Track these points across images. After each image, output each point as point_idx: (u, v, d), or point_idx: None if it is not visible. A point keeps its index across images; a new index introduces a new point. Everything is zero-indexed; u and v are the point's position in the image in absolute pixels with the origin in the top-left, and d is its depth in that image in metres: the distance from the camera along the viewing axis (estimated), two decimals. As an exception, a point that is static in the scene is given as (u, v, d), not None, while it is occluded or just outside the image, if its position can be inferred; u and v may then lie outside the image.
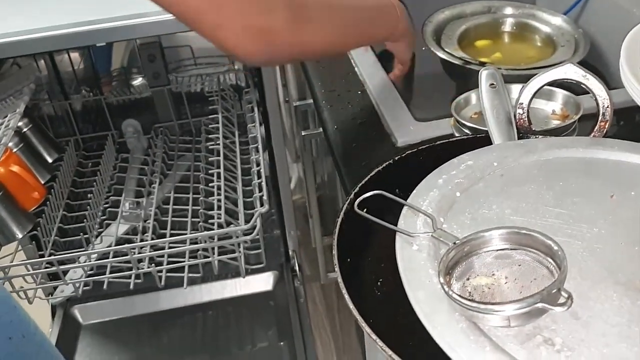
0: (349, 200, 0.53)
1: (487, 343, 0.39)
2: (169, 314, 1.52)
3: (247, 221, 1.00)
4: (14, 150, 1.21)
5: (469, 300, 0.39)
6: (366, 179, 0.55)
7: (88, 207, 1.22)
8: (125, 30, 1.07)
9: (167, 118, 1.52)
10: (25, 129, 1.28)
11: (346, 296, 0.43)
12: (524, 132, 0.60)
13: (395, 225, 0.48)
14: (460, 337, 0.39)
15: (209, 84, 1.57)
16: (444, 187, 0.51)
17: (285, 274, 1.58)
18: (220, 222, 1.05)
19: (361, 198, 0.52)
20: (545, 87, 0.62)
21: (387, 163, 0.56)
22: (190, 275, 1.04)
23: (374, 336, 0.41)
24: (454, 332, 0.39)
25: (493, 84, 0.62)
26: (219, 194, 1.08)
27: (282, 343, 1.41)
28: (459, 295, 0.39)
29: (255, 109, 1.27)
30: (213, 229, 1.05)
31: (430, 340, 0.40)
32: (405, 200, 0.50)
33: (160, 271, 1.02)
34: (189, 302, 1.54)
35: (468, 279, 0.43)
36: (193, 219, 1.18)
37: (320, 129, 1.07)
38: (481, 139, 0.59)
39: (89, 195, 1.25)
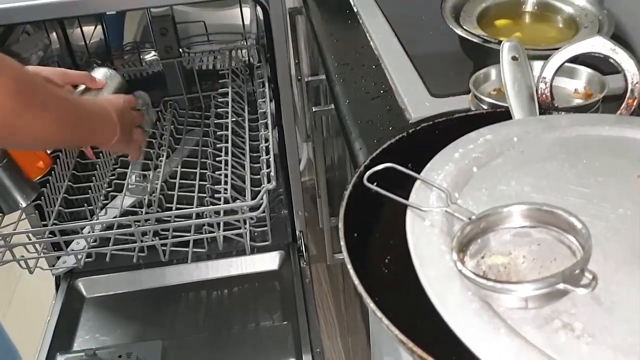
0: (358, 172, 0.50)
1: (502, 325, 0.36)
2: (173, 289, 1.51)
3: (253, 198, 0.98)
4: (21, 118, 1.19)
5: (484, 278, 0.36)
6: (377, 151, 0.52)
7: (94, 178, 1.20)
8: (137, -1, 1.04)
9: (177, 92, 1.50)
10: (32, 98, 1.26)
11: (351, 271, 0.41)
12: (546, 108, 0.57)
13: (407, 199, 0.46)
14: (473, 318, 0.37)
15: (220, 60, 1.54)
16: (461, 161, 0.48)
17: (292, 254, 1.56)
18: (227, 198, 1.02)
19: (371, 171, 0.49)
20: (568, 64, 0.59)
21: (400, 136, 0.53)
22: (195, 250, 1.02)
23: (379, 314, 0.38)
24: (467, 313, 0.37)
25: (515, 57, 0.59)
26: (226, 170, 1.06)
27: (286, 323, 1.39)
28: (473, 273, 0.36)
29: (267, 85, 1.24)
30: (219, 204, 1.02)
31: (441, 320, 0.38)
32: (419, 174, 0.47)
33: (165, 245, 1.00)
34: (195, 278, 1.52)
35: (483, 257, 0.40)
36: (200, 194, 1.16)
37: (332, 105, 1.04)
38: (501, 114, 0.56)
39: (95, 167, 1.23)
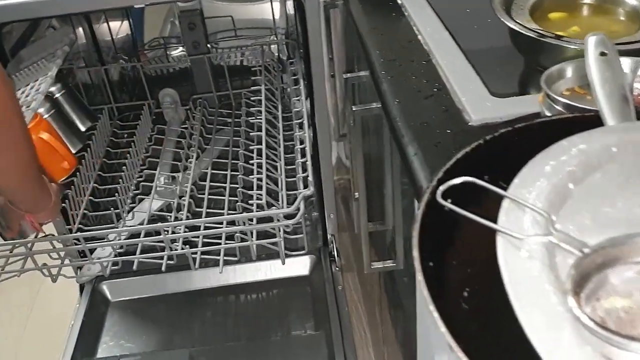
0: (431, 188, 0.43)
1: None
2: (200, 294, 1.46)
3: (288, 203, 0.91)
4: (45, 116, 1.14)
5: (615, 333, 0.28)
6: (451, 162, 0.45)
7: (120, 180, 1.15)
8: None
9: (206, 89, 1.44)
10: (57, 95, 1.21)
11: (435, 314, 0.34)
12: (645, 112, 0.49)
13: (493, 221, 0.38)
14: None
15: (249, 56, 1.48)
16: (553, 176, 0.41)
17: (323, 259, 1.49)
18: (260, 204, 0.96)
19: (446, 186, 0.42)
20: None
21: (476, 144, 0.46)
22: (226, 258, 0.96)
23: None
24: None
25: (604, 52, 0.51)
26: (259, 172, 1.00)
27: (318, 332, 1.33)
28: (599, 325, 0.29)
29: (301, 82, 1.17)
30: (252, 210, 0.96)
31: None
32: (505, 190, 0.40)
33: (195, 253, 0.94)
34: (222, 282, 1.47)
35: (598, 300, 0.33)
36: (231, 198, 1.10)
37: (374, 104, 0.97)
38: (589, 119, 0.48)
39: (122, 168, 1.18)
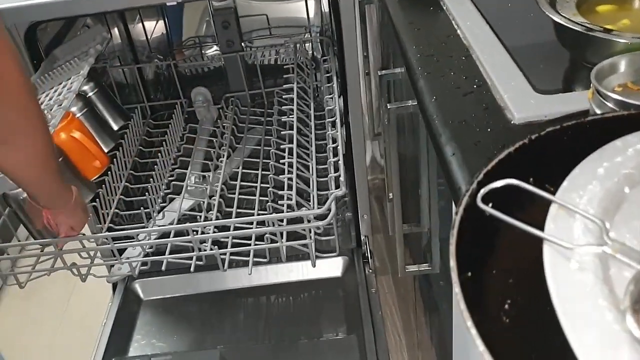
0: (470, 191, 0.39)
1: None
2: (232, 294, 1.45)
3: (320, 203, 0.88)
4: (77, 115, 1.14)
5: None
6: (492, 163, 0.41)
7: (152, 179, 1.14)
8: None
9: (239, 87, 1.43)
10: (90, 93, 1.21)
11: (473, 331, 0.30)
12: None
13: (540, 229, 0.35)
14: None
15: (284, 54, 1.46)
16: (607, 179, 0.37)
17: (356, 260, 1.46)
18: (291, 204, 0.93)
19: (487, 189, 0.38)
20: None
21: (520, 144, 0.42)
22: (256, 259, 0.94)
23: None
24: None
25: (663, 44, 0.46)
26: (290, 172, 0.97)
27: (351, 335, 1.30)
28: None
29: (334, 80, 1.14)
30: (282, 210, 0.94)
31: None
32: (553, 195, 0.36)
33: (224, 254, 0.92)
34: (254, 283, 1.45)
35: (660, 319, 0.29)
36: (261, 198, 1.08)
37: (410, 102, 0.93)
38: (646, 117, 0.44)
39: (154, 167, 1.17)
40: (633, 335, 0.27)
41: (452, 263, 0.35)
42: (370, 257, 1.46)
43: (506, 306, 0.37)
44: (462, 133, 0.62)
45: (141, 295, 1.46)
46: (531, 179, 0.41)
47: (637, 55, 0.60)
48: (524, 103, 0.64)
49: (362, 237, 1.45)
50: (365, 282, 1.41)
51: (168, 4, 1.12)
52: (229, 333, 1.37)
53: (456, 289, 0.33)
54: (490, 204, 0.39)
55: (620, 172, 0.38)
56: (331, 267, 1.47)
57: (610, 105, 0.55)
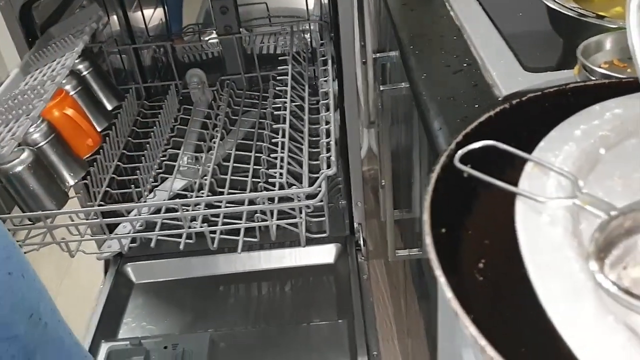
0: (448, 151, 0.39)
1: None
2: (224, 278, 1.45)
3: (311, 184, 0.88)
4: (71, 93, 1.14)
5: (633, 296, 0.25)
6: (472, 126, 0.41)
7: (143, 159, 1.14)
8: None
9: (235, 71, 1.42)
10: (85, 72, 1.21)
11: (442, 279, 0.31)
12: (689, 79, 0.45)
13: (515, 186, 0.35)
14: (620, 353, 0.25)
15: (282, 42, 1.46)
16: (584, 140, 0.37)
17: (349, 248, 1.47)
18: (282, 183, 0.93)
19: (465, 150, 0.38)
20: None
21: (500, 108, 0.42)
22: (246, 239, 0.94)
23: (482, 341, 0.28)
24: (609, 346, 0.26)
25: (647, 14, 0.46)
26: (282, 153, 0.97)
27: (341, 321, 1.30)
28: (624, 291, 0.25)
29: (329, 64, 1.14)
30: (273, 190, 0.94)
31: (562, 348, 0.27)
32: (530, 154, 0.36)
33: (214, 232, 0.92)
34: (247, 268, 1.46)
35: (625, 268, 0.29)
36: (253, 179, 1.08)
37: (403, 84, 0.93)
38: (628, 84, 0.44)
39: (146, 146, 1.17)
40: (595, 280, 0.27)
41: (425, 217, 0.35)
42: (364, 245, 1.46)
43: (480, 265, 0.37)
44: (450, 109, 0.63)
45: (133, 278, 1.46)
46: (511, 143, 0.41)
47: (623, 33, 0.60)
48: (512, 80, 0.64)
49: (356, 225, 1.45)
50: (357, 269, 1.41)
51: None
52: (220, 317, 1.37)
53: (427, 240, 0.33)
54: (469, 166, 0.39)
55: (597, 134, 0.38)
56: (324, 254, 1.47)
57: (595, 80, 0.55)
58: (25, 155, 0.93)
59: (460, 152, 0.38)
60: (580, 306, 0.28)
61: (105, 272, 1.43)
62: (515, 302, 0.34)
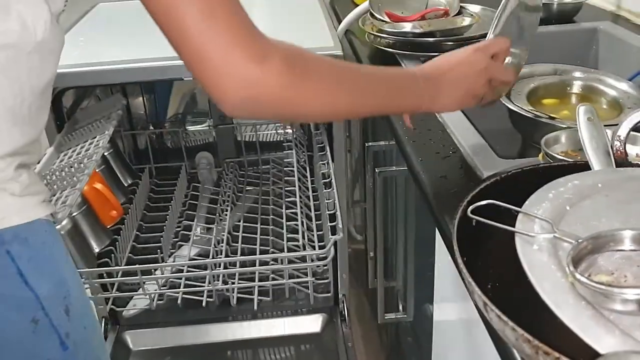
0: (462, 207, 0.56)
1: (616, 329, 0.41)
2: (217, 347, 1.54)
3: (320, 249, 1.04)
4: (97, 170, 1.28)
5: (599, 283, 0.42)
6: (476, 190, 0.59)
7: (165, 227, 1.27)
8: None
9: (235, 155, 1.59)
10: (106, 153, 1.36)
11: (474, 287, 0.47)
12: (621, 163, 0.64)
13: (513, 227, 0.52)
14: (590, 322, 0.42)
15: (273, 130, 1.63)
16: (554, 200, 0.55)
17: (334, 317, 1.59)
18: (298, 245, 1.08)
19: (474, 206, 0.55)
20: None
21: (494, 179, 0.60)
22: (261, 298, 1.07)
23: (504, 317, 0.43)
24: (584, 319, 0.42)
25: (590, 118, 0.66)
26: (294, 220, 1.12)
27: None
28: (587, 277, 0.42)
29: (327, 149, 1.33)
30: (285, 253, 1.08)
31: (553, 324, 0.43)
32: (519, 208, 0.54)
33: (232, 290, 1.05)
34: (237, 337, 1.56)
35: (589, 276, 0.46)
36: (261, 247, 1.22)
37: (394, 167, 1.12)
38: (581, 166, 0.63)
39: (164, 218, 1.31)
40: (574, 277, 0.43)
41: (455, 246, 0.51)
42: (347, 315, 1.59)
43: (489, 286, 0.54)
44: (443, 185, 0.81)
45: (130, 345, 1.54)
46: (505, 202, 0.58)
47: (575, 131, 0.81)
48: (489, 164, 0.82)
49: (340, 296, 1.58)
50: (342, 337, 1.53)
51: (185, 78, 1.30)
52: (212, 384, 1.45)
53: (458, 259, 0.49)
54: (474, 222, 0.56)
55: (564, 196, 0.56)
56: (311, 323, 1.59)
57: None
58: (65, 222, 1.07)
59: (471, 207, 0.56)
60: (564, 296, 0.44)
61: (105, 339, 1.51)
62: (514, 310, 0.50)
